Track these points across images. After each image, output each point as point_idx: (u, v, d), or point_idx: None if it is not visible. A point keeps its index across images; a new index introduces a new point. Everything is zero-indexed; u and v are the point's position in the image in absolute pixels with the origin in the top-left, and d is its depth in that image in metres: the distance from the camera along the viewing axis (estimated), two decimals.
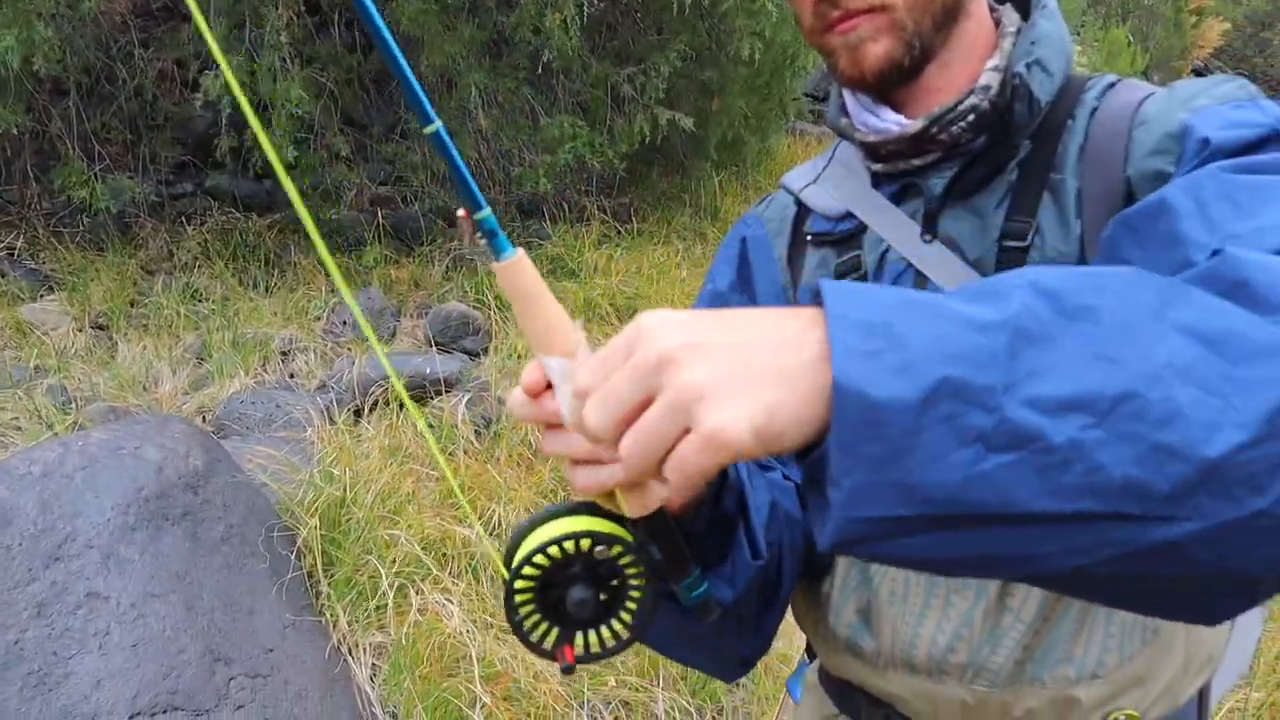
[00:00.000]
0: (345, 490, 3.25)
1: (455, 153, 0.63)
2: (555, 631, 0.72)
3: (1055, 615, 0.93)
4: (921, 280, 0.96)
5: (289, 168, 4.94)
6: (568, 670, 0.71)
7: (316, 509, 3.16)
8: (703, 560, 0.86)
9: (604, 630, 0.73)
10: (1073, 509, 0.50)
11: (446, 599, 2.96)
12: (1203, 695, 1.04)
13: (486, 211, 0.64)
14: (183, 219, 5.89)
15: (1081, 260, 0.89)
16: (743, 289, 1.12)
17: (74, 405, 4.27)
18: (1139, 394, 0.50)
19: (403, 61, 0.61)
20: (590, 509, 0.72)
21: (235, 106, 4.56)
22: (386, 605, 2.93)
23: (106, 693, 2.26)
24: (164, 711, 2.31)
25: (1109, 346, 0.51)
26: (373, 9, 0.60)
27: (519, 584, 0.70)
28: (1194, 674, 1.01)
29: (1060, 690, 0.95)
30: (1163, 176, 0.83)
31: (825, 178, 1.08)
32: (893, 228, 0.99)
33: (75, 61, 5.00)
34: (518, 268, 0.64)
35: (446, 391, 4.46)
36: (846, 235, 1.03)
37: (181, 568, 2.62)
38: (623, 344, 0.56)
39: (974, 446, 0.49)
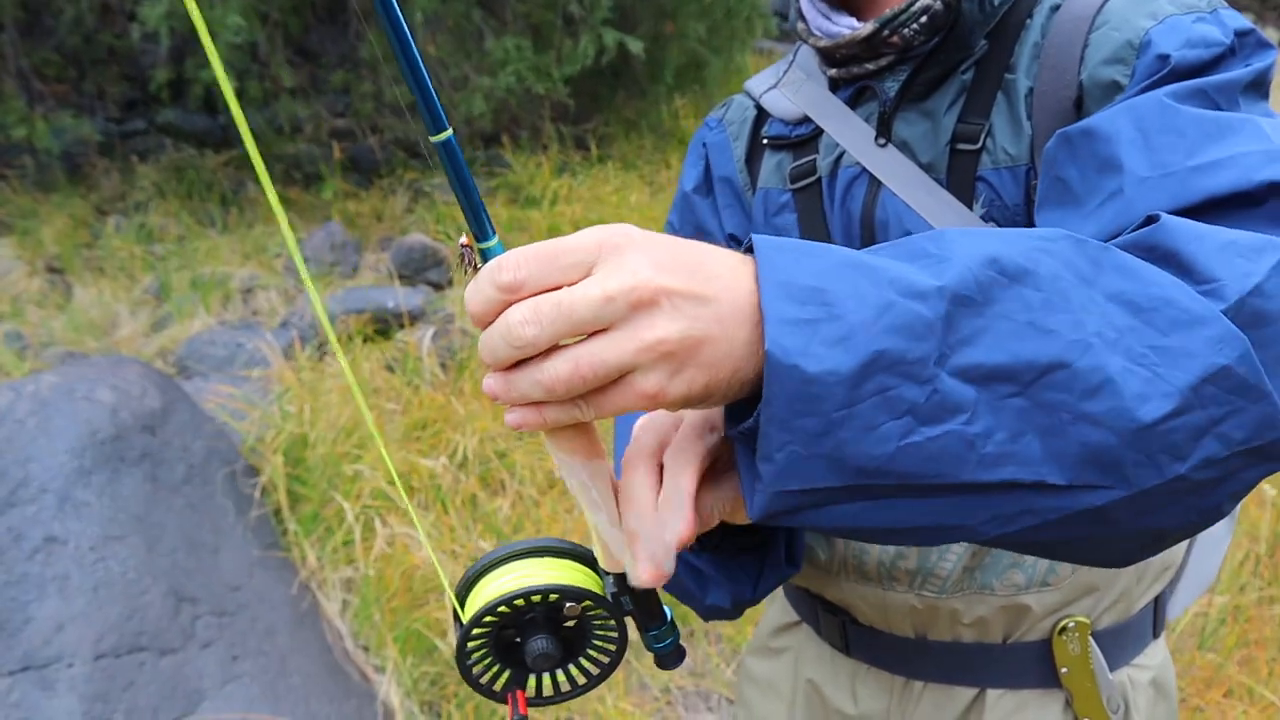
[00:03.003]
0: (308, 426, 3.22)
1: (466, 168, 0.54)
2: (507, 674, 0.67)
3: None
4: (875, 184, 0.94)
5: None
6: None
7: (279, 446, 3.13)
8: (736, 571, 0.84)
9: (560, 675, 0.67)
10: (997, 478, 0.50)
11: (414, 530, 2.95)
12: (1158, 603, 1.05)
13: (495, 240, 0.55)
14: (135, 157, 5.75)
15: (1031, 164, 0.86)
16: (707, 191, 1.12)
17: (31, 351, 4.20)
18: (1068, 363, 0.50)
19: (419, 60, 0.53)
20: (556, 551, 0.66)
21: (173, 37, 4.41)
22: (354, 540, 2.92)
23: (69, 636, 2.24)
24: (129, 652, 2.30)
25: (1042, 313, 0.51)
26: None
27: (475, 631, 0.64)
28: (1148, 583, 1.01)
29: (1010, 598, 0.95)
30: (1115, 87, 0.80)
31: (785, 82, 1.06)
32: (847, 132, 0.97)
33: None
34: None
35: (411, 324, 4.42)
36: (803, 139, 1.02)
37: (141, 509, 2.59)
38: (577, 250, 0.51)
39: (905, 419, 0.49)
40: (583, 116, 6.50)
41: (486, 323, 0.52)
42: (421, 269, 4.99)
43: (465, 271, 0.55)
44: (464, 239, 0.56)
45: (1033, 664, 0.98)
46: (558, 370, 0.50)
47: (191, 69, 4.76)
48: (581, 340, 0.51)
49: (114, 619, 2.32)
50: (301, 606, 2.78)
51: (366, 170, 6.00)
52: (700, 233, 1.11)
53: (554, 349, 0.51)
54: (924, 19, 0.89)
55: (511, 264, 0.51)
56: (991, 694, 1.00)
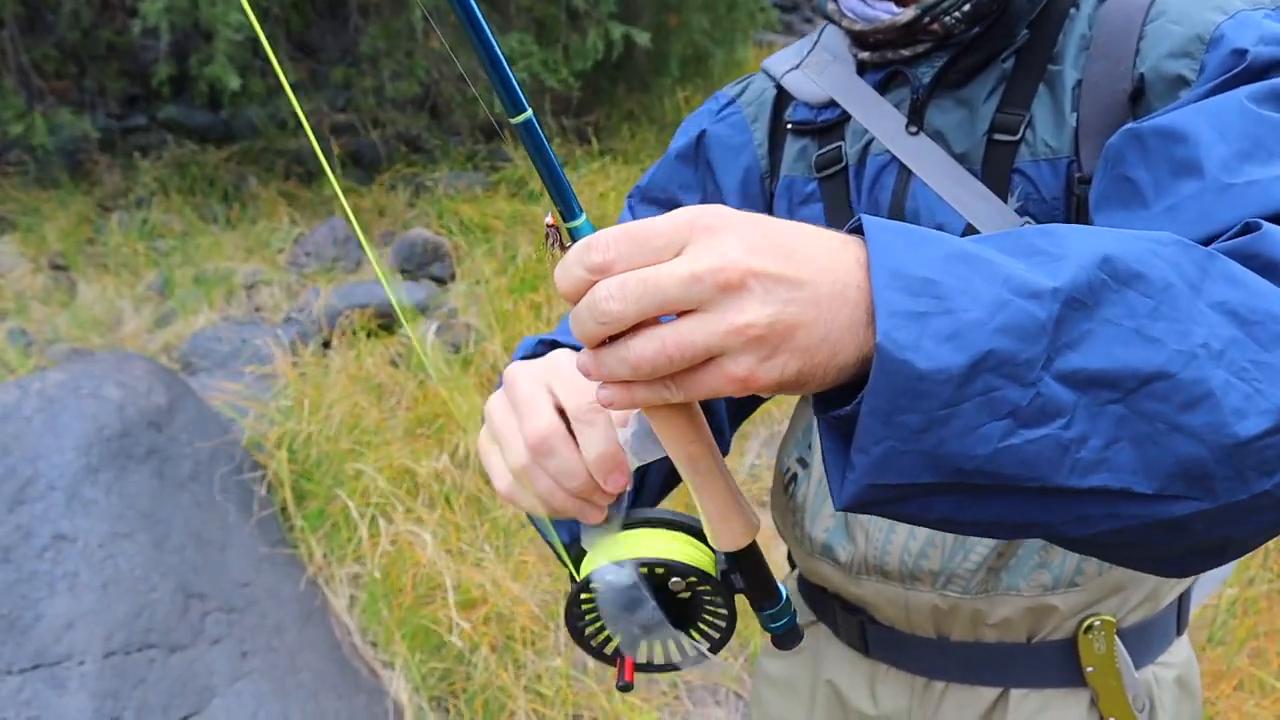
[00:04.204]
0: (313, 422, 3.22)
1: (548, 147, 0.54)
2: (618, 638, 0.68)
3: None
4: (905, 174, 0.92)
5: (233, 97, 4.79)
6: (624, 688, 0.66)
7: (286, 442, 3.12)
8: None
9: (670, 644, 0.68)
10: (1088, 484, 0.50)
11: (419, 528, 2.95)
12: (1182, 600, 1.04)
13: (582, 219, 0.54)
14: (137, 153, 5.73)
15: (1075, 155, 0.85)
16: (694, 164, 1.08)
17: (36, 348, 4.19)
18: (1172, 374, 0.49)
19: (494, 43, 0.52)
20: (674, 524, 0.67)
21: (173, 32, 4.40)
22: (360, 536, 2.92)
23: (79, 633, 2.24)
24: (139, 649, 2.30)
25: (1149, 320, 0.50)
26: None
27: (585, 595, 0.66)
28: (1174, 580, 1.00)
29: (1037, 598, 0.94)
30: (1183, 82, 0.78)
31: (809, 63, 1.03)
32: (877, 119, 0.95)
33: None
34: None
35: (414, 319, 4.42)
36: (828, 125, 0.99)
37: (149, 506, 2.59)
38: (668, 232, 0.50)
39: (1006, 420, 0.48)
40: (584, 109, 6.48)
41: (576, 301, 0.52)
42: (424, 263, 4.98)
43: (551, 251, 0.55)
44: (549, 218, 0.55)
45: (1057, 663, 0.98)
46: (643, 349, 0.50)
47: (194, 65, 4.75)
48: (671, 320, 0.50)
49: (123, 616, 2.32)
50: (310, 603, 2.78)
51: (368, 165, 5.98)
52: (672, 204, 1.08)
53: (642, 327, 0.50)
54: (966, 7, 0.86)
55: (602, 244, 0.50)
56: (1015, 694, 0.99)
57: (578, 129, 6.35)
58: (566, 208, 0.54)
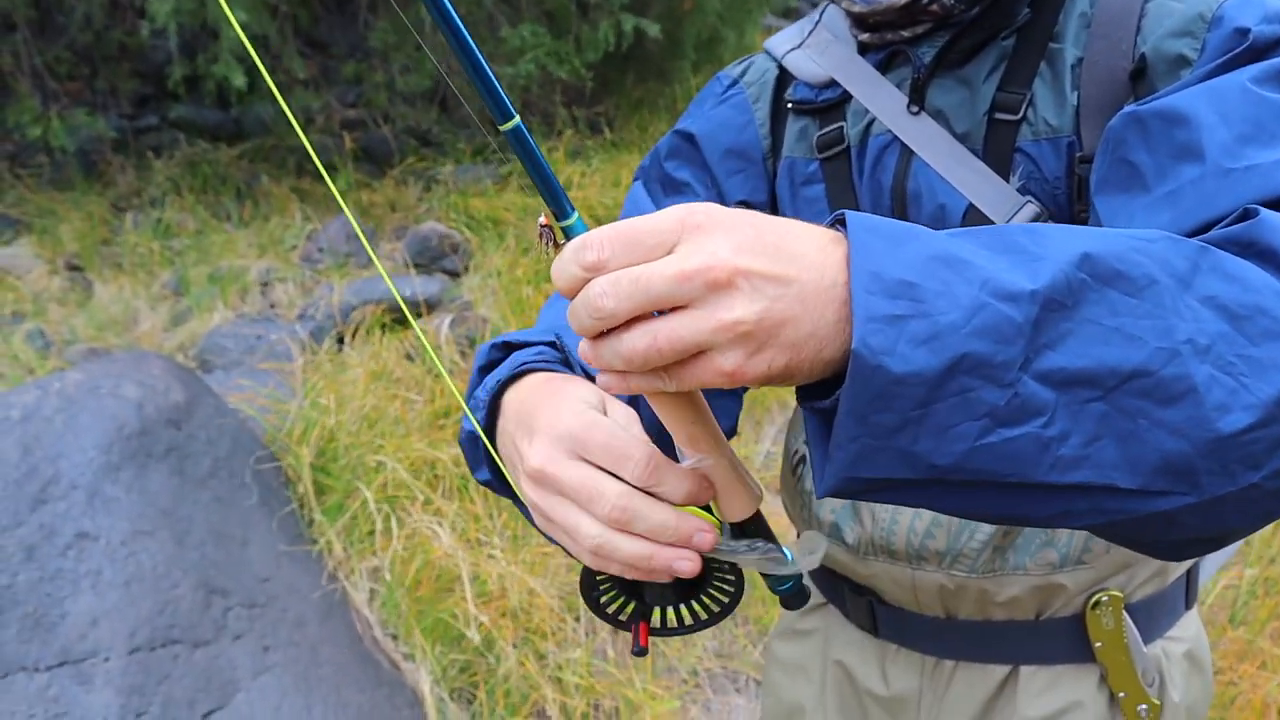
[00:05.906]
0: (330, 417, 3.23)
1: (538, 151, 0.56)
2: (632, 605, 0.72)
3: None
4: (907, 154, 0.92)
5: (241, 95, 4.80)
6: (639, 653, 0.70)
7: (304, 438, 3.14)
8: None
9: (683, 609, 0.71)
10: (1069, 480, 0.51)
11: (438, 521, 2.96)
12: (1190, 575, 1.04)
13: (575, 217, 0.57)
14: (150, 153, 5.76)
15: (1076, 134, 0.84)
16: (691, 149, 1.08)
17: (54, 349, 4.23)
18: (1152, 371, 0.50)
19: (478, 53, 0.53)
20: None
21: (182, 32, 4.40)
22: (380, 530, 2.94)
23: (104, 630, 2.26)
24: (163, 645, 2.32)
25: (1131, 318, 0.50)
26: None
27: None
28: None
29: (1044, 577, 0.94)
30: (1184, 62, 0.78)
31: (810, 43, 1.03)
32: (878, 99, 0.94)
33: None
34: None
35: (428, 313, 4.43)
36: (829, 104, 0.99)
37: (169, 503, 2.61)
38: (660, 231, 0.52)
39: (983, 420, 0.49)
40: (596, 100, 6.47)
41: (572, 296, 0.54)
42: (437, 257, 4.99)
43: (545, 250, 0.57)
44: (543, 218, 0.57)
45: (1066, 639, 0.98)
46: (635, 343, 0.52)
47: (204, 64, 4.76)
48: (665, 315, 0.52)
49: (147, 613, 2.34)
50: (330, 597, 2.79)
51: (379, 160, 5.99)
52: (665, 182, 1.08)
53: (636, 321, 0.52)
54: None
55: (596, 243, 0.52)
56: (1025, 670, 1.00)
57: (589, 119, 6.34)
58: (559, 207, 0.56)
